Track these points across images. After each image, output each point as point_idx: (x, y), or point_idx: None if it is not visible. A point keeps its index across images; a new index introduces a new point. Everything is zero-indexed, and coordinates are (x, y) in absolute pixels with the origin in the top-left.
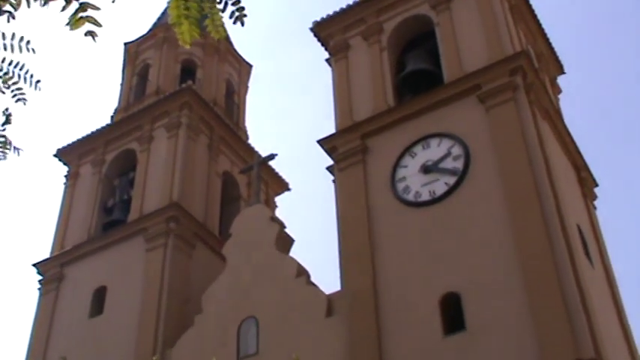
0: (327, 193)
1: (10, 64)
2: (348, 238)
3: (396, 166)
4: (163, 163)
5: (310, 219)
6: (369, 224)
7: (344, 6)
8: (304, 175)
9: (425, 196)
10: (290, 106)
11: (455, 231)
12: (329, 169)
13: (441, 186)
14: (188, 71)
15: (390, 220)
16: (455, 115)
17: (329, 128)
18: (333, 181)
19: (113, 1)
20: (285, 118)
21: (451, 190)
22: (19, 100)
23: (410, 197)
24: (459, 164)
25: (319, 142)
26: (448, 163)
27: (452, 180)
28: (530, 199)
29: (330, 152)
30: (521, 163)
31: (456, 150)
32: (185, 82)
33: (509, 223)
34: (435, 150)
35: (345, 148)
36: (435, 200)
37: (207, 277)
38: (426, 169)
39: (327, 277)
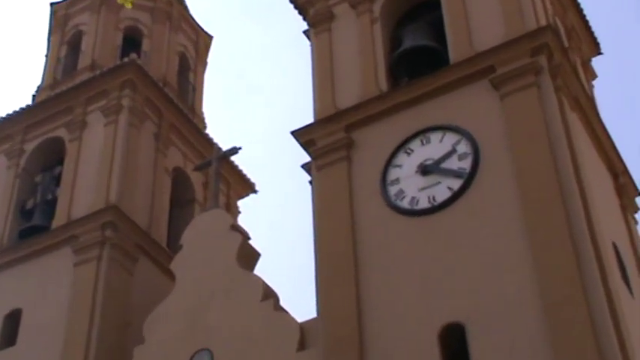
0: (303, 197)
1: None
2: (327, 253)
3: (388, 165)
4: (99, 156)
5: (281, 229)
6: (353, 237)
7: None
8: (274, 174)
9: (423, 203)
10: (259, 89)
11: (459, 247)
12: (305, 167)
13: (442, 191)
14: (132, 42)
15: (380, 233)
16: (462, 103)
17: (306, 117)
18: (310, 182)
19: None
20: (253, 104)
21: (455, 197)
22: None
23: (404, 204)
24: (465, 165)
25: (293, 133)
26: (452, 163)
27: (456, 184)
28: (554, 210)
29: (306, 147)
30: (544, 165)
31: (463, 147)
32: (128, 55)
33: (526, 239)
34: (436, 146)
35: (325, 142)
36: (435, 208)
37: (151, 298)
38: (424, 170)
39: (300, 301)
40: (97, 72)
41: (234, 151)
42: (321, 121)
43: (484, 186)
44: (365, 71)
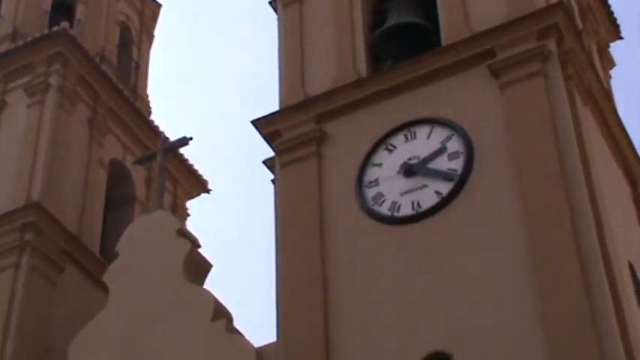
0: (264, 199)
1: None
2: (291, 266)
3: (366, 163)
4: (19, 143)
5: (237, 236)
6: (322, 247)
7: None
8: (231, 171)
9: (406, 210)
10: (215, 70)
11: (447, 262)
12: (267, 163)
13: (429, 196)
14: (63, 7)
15: (354, 243)
16: (455, 93)
17: (270, 105)
18: (273, 181)
19: None
20: (208, 87)
21: (444, 203)
22: None
23: (384, 210)
24: (456, 165)
25: (255, 123)
26: (441, 163)
27: (446, 188)
28: (560, 223)
29: (269, 139)
30: (549, 168)
31: (454, 144)
32: (58, 24)
33: (527, 257)
34: (423, 143)
35: (292, 135)
36: (419, 216)
37: (78, 315)
38: (408, 171)
39: (257, 323)
40: (20, 43)
41: (184, 142)
42: (288, 110)
43: (478, 191)
44: (341, 52)
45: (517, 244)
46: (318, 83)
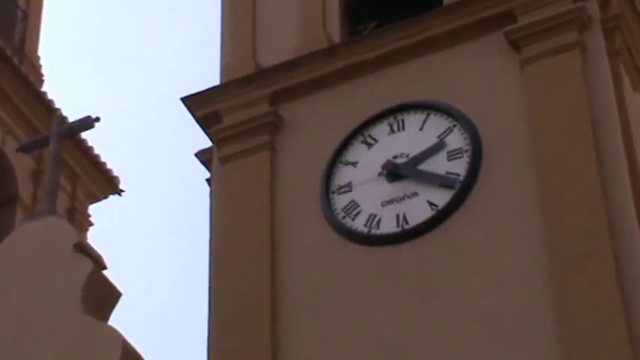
0: (195, 204)
1: None
2: (229, 296)
3: (336, 161)
4: None
5: (158, 253)
6: (272, 272)
7: None
8: (151, 165)
9: (388, 225)
10: (134, 30)
11: (442, 299)
12: (201, 157)
13: (420, 208)
14: None
15: (316, 268)
16: (459, 69)
17: (208, 78)
18: (208, 180)
19: None
20: (123, 52)
21: (440, 218)
22: None
23: (358, 225)
24: (458, 167)
25: (185, 101)
26: (438, 164)
27: (443, 197)
28: (599, 244)
29: (205, 124)
30: (585, 176)
31: (457, 139)
32: None
33: (552, 293)
34: (413, 136)
35: (236, 119)
36: (406, 235)
37: None
38: (393, 173)
39: None
40: None
41: (88, 124)
42: (231, 85)
43: (487, 204)
44: (306, 10)
45: (538, 279)
46: (275, 51)
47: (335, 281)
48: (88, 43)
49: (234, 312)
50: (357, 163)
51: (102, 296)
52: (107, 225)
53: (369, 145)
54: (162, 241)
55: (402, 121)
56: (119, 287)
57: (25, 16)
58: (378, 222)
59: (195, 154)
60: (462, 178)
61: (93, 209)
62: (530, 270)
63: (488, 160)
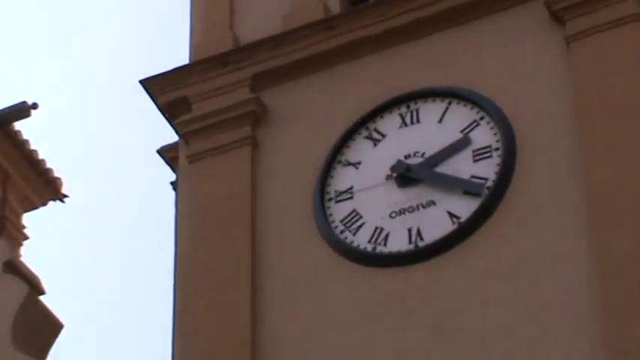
0: (158, 215)
1: None
2: (198, 328)
3: (333, 161)
4: None
5: (110, 273)
6: (252, 299)
7: None
8: (102, 165)
9: (398, 242)
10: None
11: (466, 335)
12: (165, 154)
13: (439, 220)
14: None
15: (307, 293)
16: (488, 48)
17: (174, 56)
18: (173, 184)
19: None
20: (72, 22)
21: (464, 233)
22: None
23: (360, 241)
24: (487, 169)
25: (145, 84)
26: (461, 166)
27: (468, 208)
28: None
29: (169, 114)
30: None
31: (485, 134)
32: None
33: (604, 324)
34: (431, 130)
35: (208, 107)
36: (421, 254)
37: None
38: (404, 176)
39: None
40: None
41: (23, 111)
42: (203, 65)
43: (522, 215)
44: None
45: (585, 314)
46: (258, 24)
47: (331, 312)
48: (26, 14)
49: (205, 350)
50: (359, 163)
51: (38, 328)
52: (46, 239)
53: (375, 142)
54: (115, 259)
55: (417, 111)
56: (60, 317)
57: None
58: (386, 237)
59: (158, 152)
60: (490, 183)
61: (28, 219)
62: (577, 303)
63: (523, 160)
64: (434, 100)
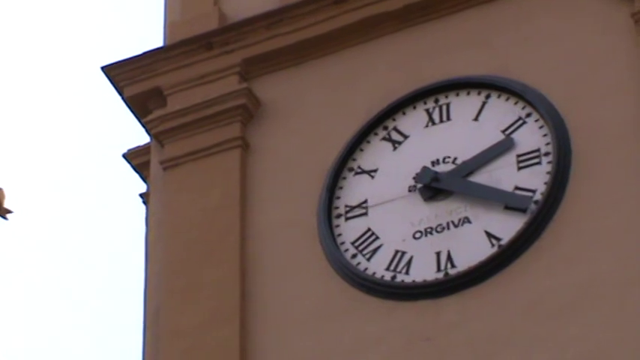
0: (126, 233)
1: None
2: None
3: (343, 168)
4: None
5: (66, 303)
6: (241, 339)
7: None
8: (56, 173)
9: (424, 270)
10: None
11: None
12: (132, 159)
13: (474, 243)
14: None
15: (312, 331)
16: (535, 28)
17: (147, 39)
18: (143, 196)
19: None
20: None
21: (505, 260)
22: None
23: (376, 268)
24: (535, 179)
25: (107, 71)
26: (502, 174)
27: (511, 227)
28: None
29: (139, 109)
30: None
31: (532, 135)
32: None
33: None
34: (465, 129)
35: (187, 102)
36: (452, 285)
37: None
38: (431, 187)
39: None
40: None
41: None
42: (181, 48)
43: (578, 235)
44: None
45: None
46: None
47: (340, 353)
48: None
49: None
50: (376, 171)
51: None
52: None
53: (396, 144)
54: (71, 287)
55: (447, 106)
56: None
57: None
58: (408, 264)
59: (124, 156)
60: (538, 196)
61: None
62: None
63: (579, 168)
64: (468, 93)
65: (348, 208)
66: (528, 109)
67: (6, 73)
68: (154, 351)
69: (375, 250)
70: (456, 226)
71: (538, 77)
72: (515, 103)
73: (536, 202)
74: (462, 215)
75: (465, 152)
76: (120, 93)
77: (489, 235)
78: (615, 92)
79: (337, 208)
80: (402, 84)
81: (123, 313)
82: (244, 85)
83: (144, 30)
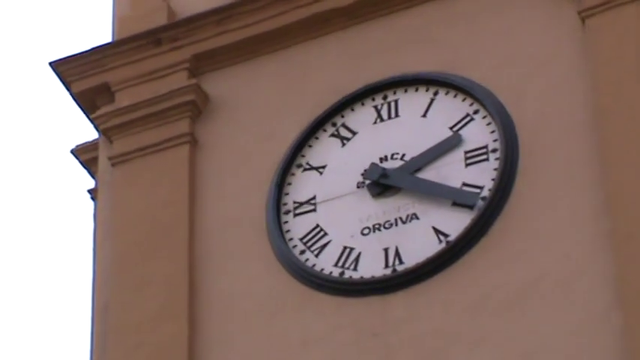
0: (73, 228)
1: None
2: None
3: (291, 163)
4: None
5: (14, 302)
6: (190, 336)
7: None
8: (2, 171)
9: (372, 266)
10: None
11: None
12: (79, 155)
13: (422, 240)
14: None
15: (260, 328)
16: (484, 24)
17: (100, 33)
18: (91, 192)
19: None
20: None
21: (453, 257)
22: None
23: (325, 265)
24: (482, 176)
25: (55, 67)
26: (450, 171)
27: (458, 223)
28: None
29: (87, 105)
30: None
31: (479, 131)
32: None
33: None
34: (413, 125)
35: (135, 98)
36: (400, 281)
37: None
38: (379, 184)
39: None
40: None
41: None
42: (129, 44)
43: (525, 232)
44: None
45: (606, 351)
46: None
47: (288, 353)
48: None
49: None
50: (324, 167)
51: None
52: None
53: (344, 141)
54: (17, 283)
55: (395, 103)
56: None
57: None
58: (357, 260)
59: (72, 152)
60: (486, 192)
61: None
62: (593, 340)
63: (526, 164)
64: (417, 90)
65: (296, 204)
66: (476, 106)
67: None
68: (102, 347)
69: (323, 247)
70: (403, 222)
71: (486, 74)
72: (463, 100)
73: (483, 198)
74: (410, 211)
75: (414, 149)
76: (68, 88)
77: (437, 231)
78: (562, 90)
79: (286, 204)
80: (351, 80)
81: (70, 309)
82: (193, 81)
83: (92, 25)
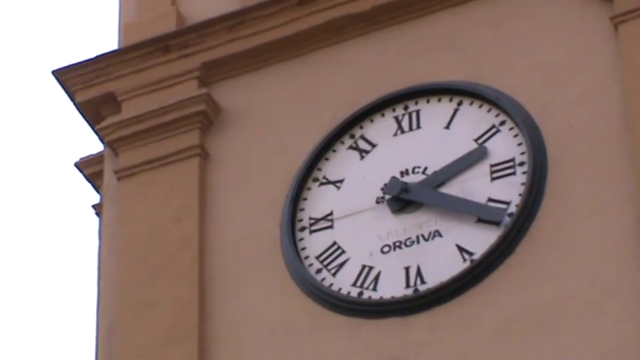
0: (77, 246)
1: None
2: None
3: (307, 178)
4: None
5: (11, 327)
6: (199, 359)
7: None
8: (4, 184)
9: (392, 286)
10: None
11: None
12: (84, 169)
13: (445, 258)
14: None
15: (273, 351)
16: (511, 31)
17: (106, 40)
18: (96, 207)
19: None
20: None
21: (478, 276)
22: None
23: (342, 284)
24: (509, 191)
25: (58, 75)
26: (475, 185)
27: (484, 241)
28: None
29: (91, 116)
30: None
31: (506, 144)
32: None
33: None
34: (436, 138)
35: (142, 108)
36: (422, 302)
37: None
38: (400, 199)
39: None
40: None
41: None
42: (136, 51)
43: (555, 250)
44: None
45: None
46: None
47: None
48: None
49: None
50: (342, 181)
51: None
52: None
53: (363, 153)
54: (21, 301)
55: (417, 114)
56: None
57: None
58: (376, 279)
59: (76, 165)
60: (513, 208)
61: None
62: None
63: (556, 179)
64: (439, 100)
65: (312, 221)
66: (502, 117)
67: None
68: None
69: (340, 265)
70: (426, 239)
71: (513, 83)
72: (489, 111)
73: (510, 214)
74: (433, 228)
75: (436, 162)
76: (72, 98)
77: (461, 249)
78: (593, 99)
79: (301, 220)
80: (370, 90)
81: (75, 329)
82: (204, 90)
83: (97, 31)
